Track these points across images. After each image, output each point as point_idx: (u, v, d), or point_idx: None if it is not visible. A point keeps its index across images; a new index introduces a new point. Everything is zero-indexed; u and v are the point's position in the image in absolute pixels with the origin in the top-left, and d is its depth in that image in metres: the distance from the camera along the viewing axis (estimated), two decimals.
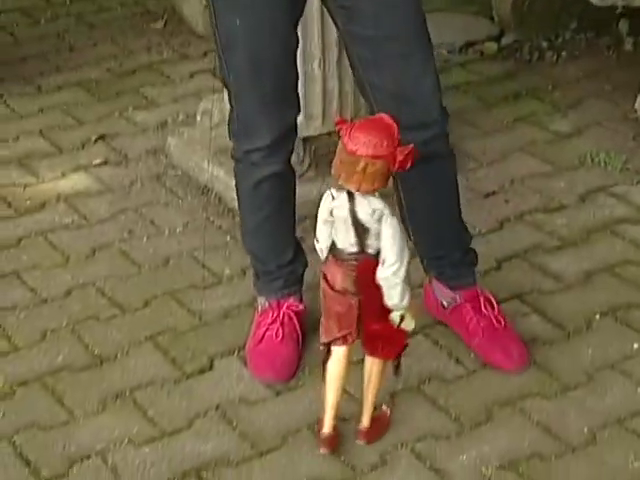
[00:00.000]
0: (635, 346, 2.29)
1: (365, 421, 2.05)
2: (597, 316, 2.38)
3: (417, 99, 2.08)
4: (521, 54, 3.56)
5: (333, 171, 1.82)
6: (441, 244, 2.28)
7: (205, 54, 3.74)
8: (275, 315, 2.30)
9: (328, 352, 1.99)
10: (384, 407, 2.12)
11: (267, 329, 2.29)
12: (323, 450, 2.02)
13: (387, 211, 1.83)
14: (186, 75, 3.62)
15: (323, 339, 1.99)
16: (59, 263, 2.65)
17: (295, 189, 2.29)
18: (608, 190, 2.83)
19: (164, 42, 3.87)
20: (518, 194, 2.86)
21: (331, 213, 1.87)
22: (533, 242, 2.66)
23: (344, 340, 1.96)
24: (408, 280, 1.87)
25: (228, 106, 2.98)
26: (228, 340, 2.35)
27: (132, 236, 2.75)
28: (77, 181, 3.02)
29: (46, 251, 2.70)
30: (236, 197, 2.34)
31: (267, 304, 2.32)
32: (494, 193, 2.87)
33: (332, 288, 1.92)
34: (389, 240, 1.83)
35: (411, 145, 1.77)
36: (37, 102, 3.45)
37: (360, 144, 1.75)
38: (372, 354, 2.00)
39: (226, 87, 2.19)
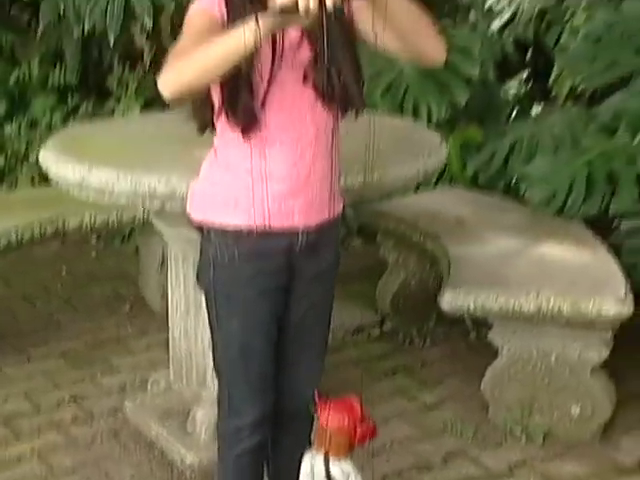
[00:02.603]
0: None
1: None
2: None
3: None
4: (397, 338, 3.60)
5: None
6: None
7: (159, 329, 3.68)
8: None
9: None
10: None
11: None
12: None
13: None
14: (144, 347, 3.54)
15: None
16: None
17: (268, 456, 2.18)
18: (463, 454, 2.77)
19: (129, 320, 3.81)
20: (397, 454, 2.77)
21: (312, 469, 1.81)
22: None
23: None
24: None
25: (181, 381, 2.93)
26: None
27: None
28: (50, 437, 2.84)
29: None
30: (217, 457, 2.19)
31: None
32: (378, 454, 2.78)
33: None
34: None
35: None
36: (25, 369, 3.30)
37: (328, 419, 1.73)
38: None
39: (219, 377, 2.10)
